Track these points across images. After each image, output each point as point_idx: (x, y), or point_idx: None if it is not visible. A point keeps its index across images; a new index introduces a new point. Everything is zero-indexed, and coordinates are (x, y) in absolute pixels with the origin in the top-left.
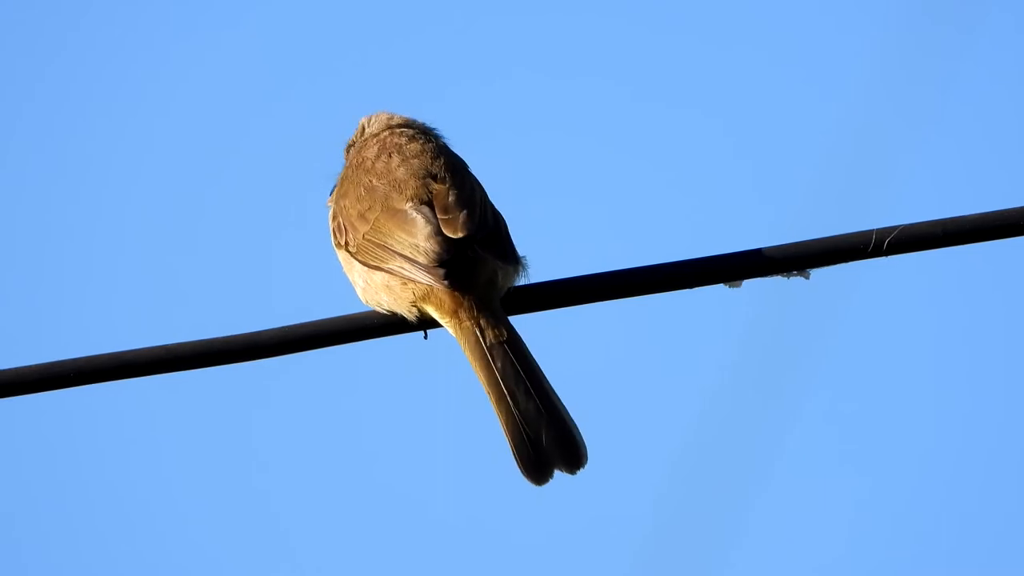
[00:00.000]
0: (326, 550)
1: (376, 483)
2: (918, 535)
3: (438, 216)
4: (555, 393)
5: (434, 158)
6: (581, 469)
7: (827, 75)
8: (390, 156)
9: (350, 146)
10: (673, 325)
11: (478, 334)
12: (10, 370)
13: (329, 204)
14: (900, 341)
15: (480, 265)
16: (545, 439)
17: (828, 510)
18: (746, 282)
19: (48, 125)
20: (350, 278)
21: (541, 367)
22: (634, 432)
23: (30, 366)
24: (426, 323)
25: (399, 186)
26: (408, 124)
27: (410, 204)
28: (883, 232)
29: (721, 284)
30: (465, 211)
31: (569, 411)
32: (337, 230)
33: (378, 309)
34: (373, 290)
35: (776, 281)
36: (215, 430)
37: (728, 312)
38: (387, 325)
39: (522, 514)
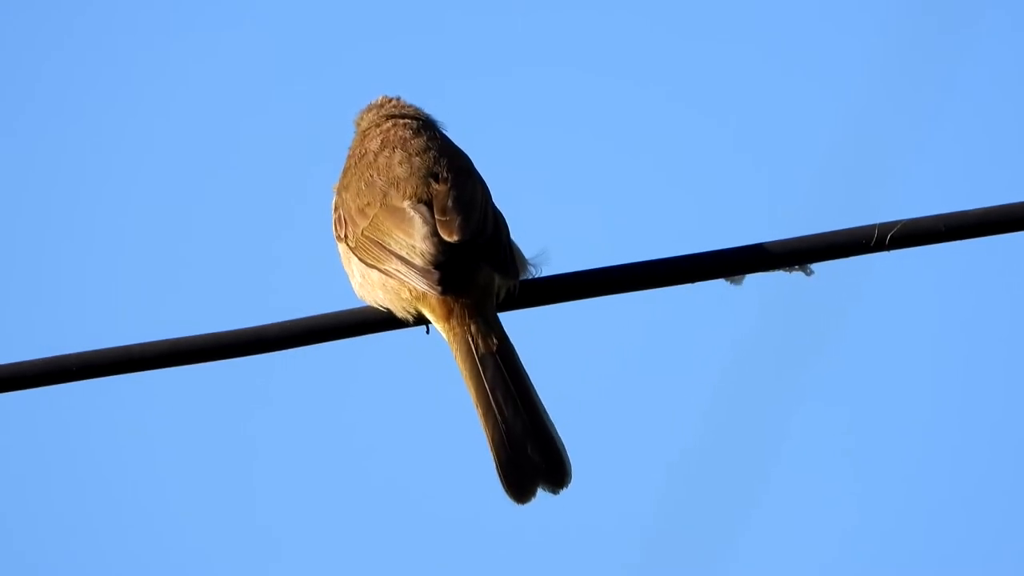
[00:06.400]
0: (326, 545)
1: (377, 480)
2: (920, 535)
3: (436, 217)
4: (544, 408)
5: (438, 156)
6: (564, 488)
7: (828, 71)
8: (393, 150)
9: (360, 122)
10: (675, 323)
11: (470, 342)
12: (12, 364)
13: (336, 190)
14: (903, 338)
15: (475, 272)
16: (530, 456)
17: (831, 509)
18: (748, 279)
19: (50, 121)
20: (347, 270)
21: (531, 380)
22: (633, 431)
23: (33, 360)
24: (421, 323)
25: (399, 183)
26: (414, 116)
27: (408, 202)
28: (885, 227)
29: (723, 281)
30: (462, 215)
31: (556, 427)
32: (338, 222)
33: (374, 305)
34: (369, 286)
35: (778, 278)
36: (217, 425)
37: (730, 310)
38: (390, 320)
39: (522, 514)
